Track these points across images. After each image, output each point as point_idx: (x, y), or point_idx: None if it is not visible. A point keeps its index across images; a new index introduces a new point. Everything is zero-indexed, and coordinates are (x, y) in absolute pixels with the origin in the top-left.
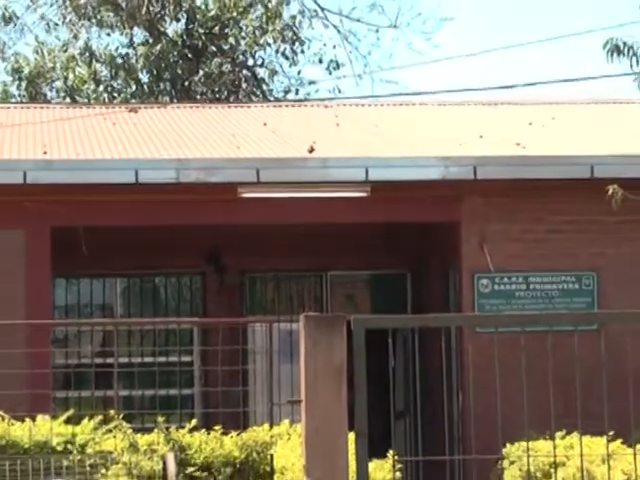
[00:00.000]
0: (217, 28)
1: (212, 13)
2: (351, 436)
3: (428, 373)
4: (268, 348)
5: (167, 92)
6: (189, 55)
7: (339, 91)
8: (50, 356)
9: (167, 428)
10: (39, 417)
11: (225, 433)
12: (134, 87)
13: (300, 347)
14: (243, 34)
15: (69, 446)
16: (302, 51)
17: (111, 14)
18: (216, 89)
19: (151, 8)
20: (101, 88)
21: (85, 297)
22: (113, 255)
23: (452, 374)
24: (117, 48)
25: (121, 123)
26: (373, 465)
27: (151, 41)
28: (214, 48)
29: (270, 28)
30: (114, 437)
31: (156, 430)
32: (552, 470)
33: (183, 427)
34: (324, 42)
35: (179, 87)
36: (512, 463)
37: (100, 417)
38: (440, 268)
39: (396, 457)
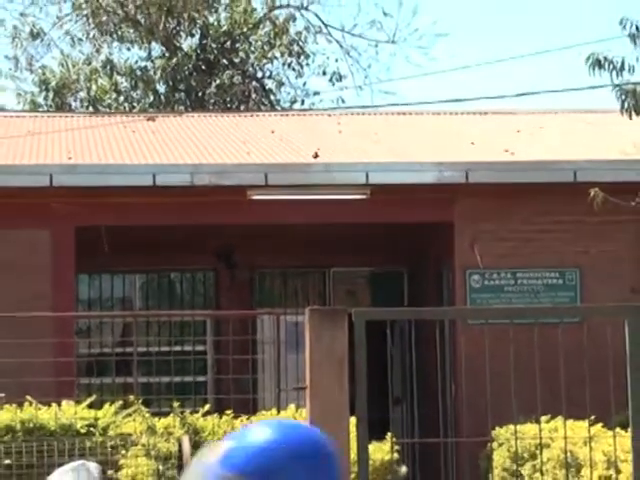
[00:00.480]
0: (228, 43)
1: (224, 29)
2: (352, 420)
3: (423, 362)
4: (275, 339)
5: (182, 102)
6: (203, 68)
7: (341, 101)
8: (74, 346)
9: (182, 412)
10: (64, 402)
11: (236, 417)
12: (152, 97)
13: (305, 338)
14: (253, 48)
15: (92, 429)
16: (307, 64)
17: (131, 30)
18: (227, 99)
19: (168, 24)
20: (121, 98)
21: (106, 292)
22: (132, 253)
23: (446, 363)
24: (136, 61)
25: (140, 131)
26: (373, 447)
27: (167, 55)
28: (226, 61)
29: (278, 43)
30: (133, 420)
31: (172, 414)
32: (538, 451)
33: (197, 411)
34: (327, 56)
35: (193, 97)
36: (501, 445)
37: (120, 402)
38: (435, 265)
39: (394, 439)
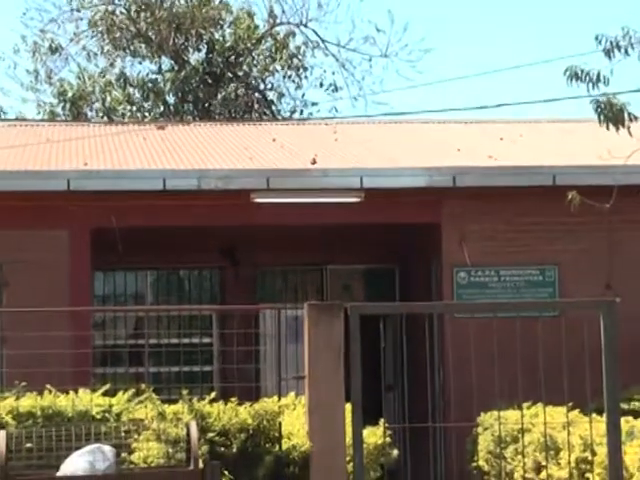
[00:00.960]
0: (233, 57)
1: (229, 44)
2: (347, 406)
3: (414, 352)
4: (276, 331)
5: (190, 112)
6: (209, 80)
7: (337, 111)
8: (90, 338)
9: (190, 399)
10: (81, 390)
11: (240, 404)
12: (162, 108)
13: (304, 330)
14: (255, 62)
15: (106, 415)
16: (306, 77)
17: (142, 45)
18: (232, 110)
19: (176, 40)
20: (134, 109)
21: (120, 288)
22: (144, 252)
23: (434, 353)
24: (147, 74)
25: (151, 139)
26: (366, 431)
27: (176, 68)
28: (230, 74)
29: (278, 57)
30: (145, 407)
31: (181, 401)
32: (520, 435)
33: (204, 399)
34: (324, 69)
35: (200, 108)
36: (486, 429)
37: (133, 390)
38: (424, 263)
39: (386, 424)
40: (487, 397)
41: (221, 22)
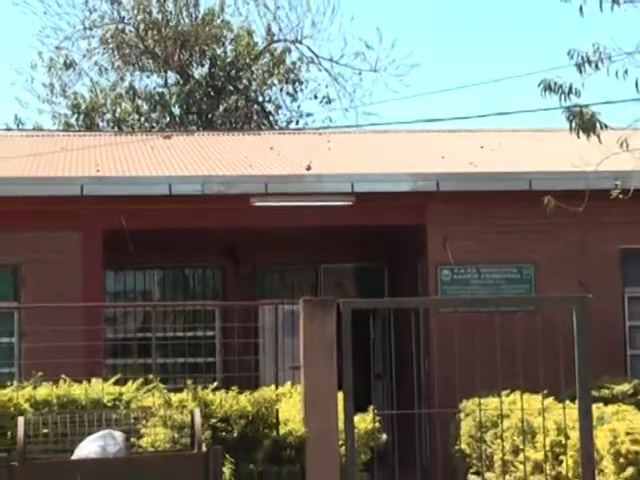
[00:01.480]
0: (234, 72)
1: (229, 60)
2: (340, 394)
3: (401, 344)
4: (274, 325)
5: (194, 123)
6: (211, 93)
7: (330, 121)
8: (102, 332)
9: (194, 388)
10: (93, 380)
11: (240, 392)
12: (168, 119)
13: (300, 324)
14: (254, 76)
15: (117, 403)
16: (301, 90)
17: (150, 61)
18: (233, 120)
19: (181, 56)
20: (142, 119)
21: (129, 285)
22: (152, 252)
23: (420, 345)
24: (154, 88)
25: (158, 147)
26: (357, 417)
27: (181, 82)
28: (231, 88)
29: (276, 71)
30: (152, 395)
31: (185, 390)
32: (499, 420)
33: (207, 387)
34: (318, 82)
35: (204, 119)
36: (467, 415)
37: (141, 380)
38: (410, 261)
39: (375, 411)
40: (469, 385)
41: (223, 39)
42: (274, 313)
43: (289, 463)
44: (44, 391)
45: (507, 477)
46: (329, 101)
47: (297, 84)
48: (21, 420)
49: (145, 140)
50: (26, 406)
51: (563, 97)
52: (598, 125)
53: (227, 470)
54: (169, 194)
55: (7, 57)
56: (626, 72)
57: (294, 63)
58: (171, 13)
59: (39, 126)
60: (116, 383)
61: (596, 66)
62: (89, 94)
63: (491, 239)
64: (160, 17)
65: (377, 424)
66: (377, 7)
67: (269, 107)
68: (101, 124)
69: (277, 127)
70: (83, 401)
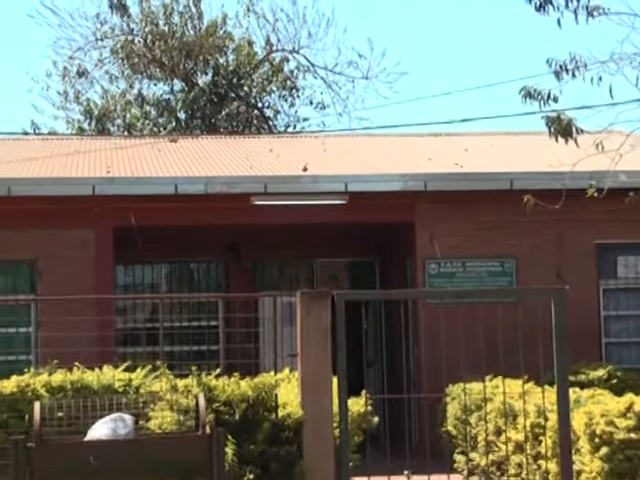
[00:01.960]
0: (235, 79)
1: (231, 68)
2: (334, 379)
3: (392, 333)
4: (273, 315)
5: (199, 127)
6: (214, 99)
7: (325, 125)
8: (113, 322)
9: (199, 374)
10: (105, 367)
11: (242, 378)
12: (174, 123)
13: (297, 315)
14: (254, 84)
15: (127, 388)
16: (298, 96)
17: (157, 70)
18: (234, 124)
19: (186, 65)
20: (150, 124)
21: (138, 278)
22: (159, 247)
23: (409, 334)
24: (161, 94)
25: (164, 150)
26: (351, 401)
27: (186, 89)
28: (233, 94)
29: (274, 79)
30: (160, 381)
31: (190, 376)
32: (483, 404)
33: (210, 374)
34: (314, 89)
35: (207, 123)
36: (453, 399)
37: (150, 366)
38: (400, 256)
39: (368, 395)
40: (454, 371)
41: (225, 49)
42: (273, 304)
43: (287, 444)
44: (59, 377)
45: (490, 456)
46: (324, 107)
47: (294, 91)
48: (37, 404)
49: (153, 143)
50: (42, 391)
51: (542, 103)
52: (574, 130)
53: (229, 450)
54: (175, 193)
55: (24, 66)
56: (600, 79)
57: (291, 71)
58: (177, 25)
59: (54, 131)
60: (126, 370)
61: (573, 74)
62: (101, 101)
63: (475, 235)
64: (166, 29)
65: (369, 408)
66: (369, 19)
67: (268, 112)
68: (112, 129)
69: (276, 131)
70: (95, 387)
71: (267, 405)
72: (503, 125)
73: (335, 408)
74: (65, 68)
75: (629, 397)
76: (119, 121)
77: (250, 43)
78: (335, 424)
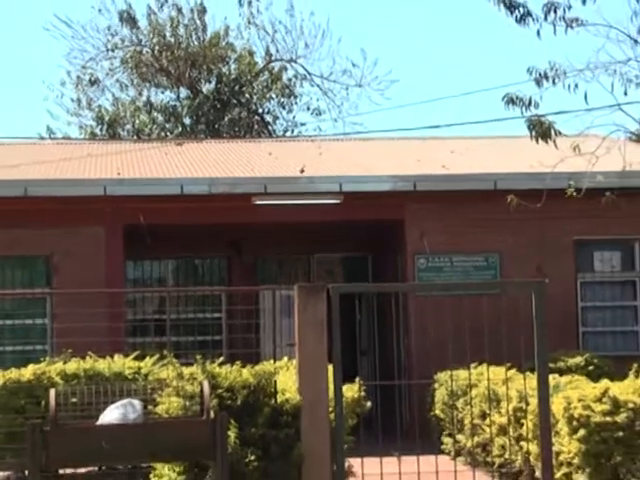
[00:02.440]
0: (237, 87)
1: (233, 77)
2: (330, 367)
3: (383, 323)
4: (273, 308)
5: (203, 132)
6: (218, 106)
7: (320, 130)
8: (124, 314)
9: (203, 363)
10: (116, 355)
11: (243, 366)
12: (180, 128)
13: (295, 307)
14: (255, 91)
15: (136, 375)
16: (295, 102)
17: (164, 78)
18: (236, 129)
19: (191, 74)
20: (157, 129)
21: (147, 273)
22: (166, 244)
23: (400, 324)
24: (168, 101)
25: (171, 153)
26: (345, 387)
27: (192, 96)
28: (235, 101)
29: (274, 87)
30: (167, 369)
31: (195, 364)
32: (468, 389)
33: (214, 362)
34: (310, 96)
35: (211, 128)
36: (441, 385)
37: (157, 355)
38: (391, 252)
39: (361, 382)
40: (442, 359)
41: (227, 59)
42: (272, 297)
43: (286, 427)
44: (73, 366)
45: (475, 438)
46: (320, 112)
47: (292, 98)
48: (53, 391)
49: (160, 147)
50: (57, 379)
51: (524, 108)
52: (554, 133)
53: (232, 434)
54: (181, 194)
55: (40, 76)
56: (577, 86)
57: (289, 79)
58: (182, 36)
59: (68, 136)
60: (135, 358)
61: (553, 81)
62: (111, 107)
63: (461, 232)
64: (173, 40)
65: (363, 393)
66: (362, 31)
67: (268, 118)
68: (122, 133)
69: (275, 135)
70: (107, 374)
71: (267, 391)
72: (487, 129)
73: (330, 394)
74: (78, 77)
75: (605, 383)
76: (129, 126)
77: (251, 53)
78: (330, 409)
